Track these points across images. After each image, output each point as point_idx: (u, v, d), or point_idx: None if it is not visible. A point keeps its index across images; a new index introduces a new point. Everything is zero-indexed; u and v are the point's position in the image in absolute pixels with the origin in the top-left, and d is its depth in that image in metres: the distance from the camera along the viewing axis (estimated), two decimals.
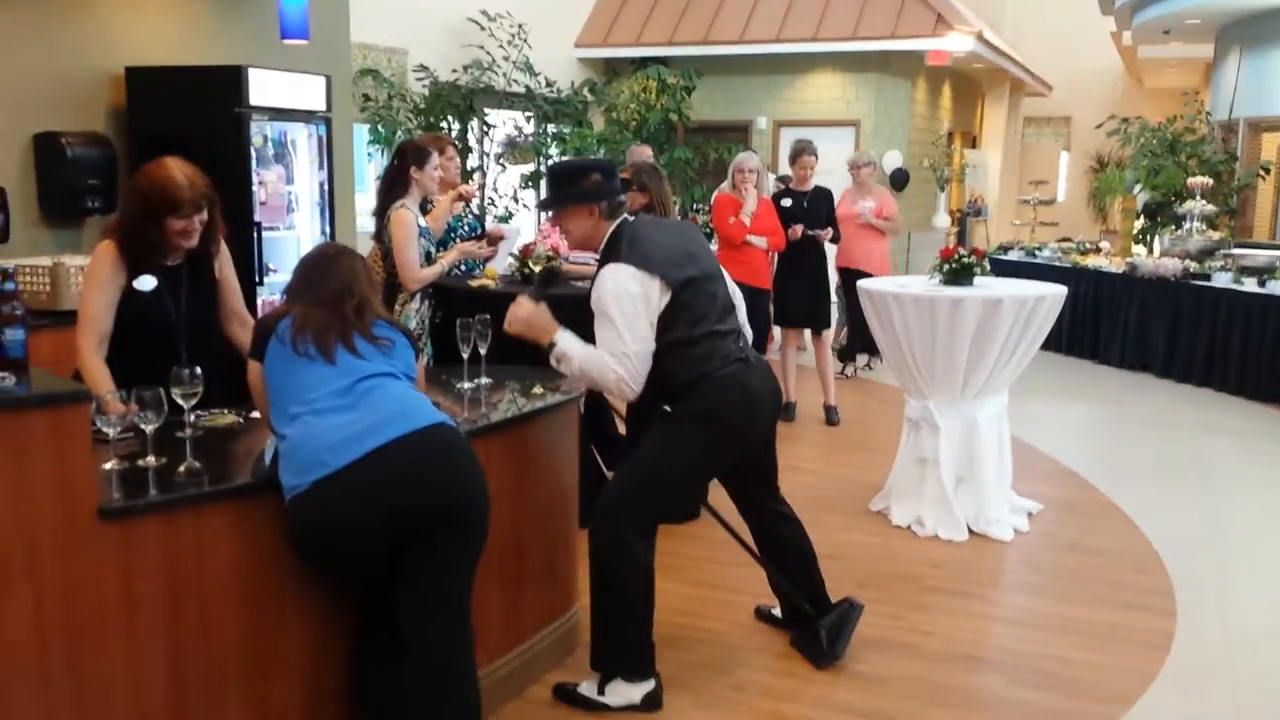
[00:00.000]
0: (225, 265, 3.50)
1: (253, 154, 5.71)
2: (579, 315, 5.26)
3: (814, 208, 7.32)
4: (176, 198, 3.19)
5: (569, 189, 3.47)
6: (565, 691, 3.52)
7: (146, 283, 3.28)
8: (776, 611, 4.09)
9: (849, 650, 3.82)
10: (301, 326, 2.74)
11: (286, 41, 6.35)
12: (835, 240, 7.48)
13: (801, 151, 7.43)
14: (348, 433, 2.62)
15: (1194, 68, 16.80)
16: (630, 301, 3.27)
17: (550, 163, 3.77)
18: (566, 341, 3.38)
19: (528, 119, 11.34)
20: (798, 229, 7.10)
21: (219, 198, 3.34)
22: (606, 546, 3.40)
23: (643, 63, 12.77)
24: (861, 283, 5.58)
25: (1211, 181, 11.25)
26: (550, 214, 3.64)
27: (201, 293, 3.40)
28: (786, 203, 7.28)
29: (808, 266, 7.32)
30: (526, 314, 3.42)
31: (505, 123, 11.22)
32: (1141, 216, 13.45)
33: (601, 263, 3.40)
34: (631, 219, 3.51)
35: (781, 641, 3.97)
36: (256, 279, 5.62)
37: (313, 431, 2.63)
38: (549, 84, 11.27)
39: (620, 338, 3.28)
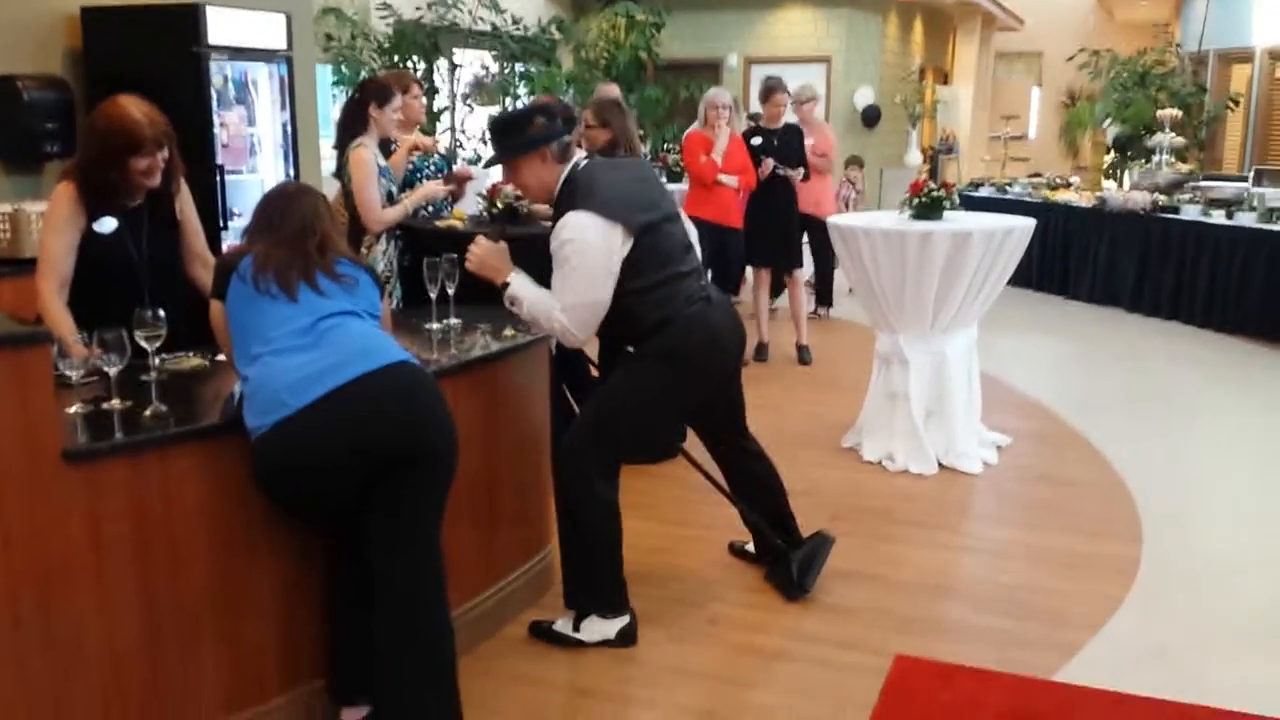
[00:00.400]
0: (186, 205, 3.45)
1: (213, 95, 5.60)
2: (543, 255, 5.25)
3: (784, 145, 7.27)
4: (138, 136, 3.13)
5: (516, 139, 3.35)
6: (541, 629, 3.55)
7: (107, 224, 3.23)
8: (749, 547, 4.12)
9: (820, 582, 3.86)
10: (263, 264, 2.70)
11: None
12: (806, 178, 7.44)
13: (774, 89, 7.35)
14: (308, 372, 2.60)
15: (1164, 0, 16.73)
16: (590, 251, 3.23)
17: (488, 118, 3.71)
18: (518, 284, 3.35)
19: (494, 58, 11.19)
20: (768, 163, 7.05)
21: (176, 135, 3.29)
22: (571, 485, 3.41)
23: None
24: (831, 218, 5.58)
25: (1181, 114, 11.26)
26: (502, 169, 3.57)
27: (163, 233, 3.36)
28: (756, 141, 7.22)
29: (778, 205, 7.28)
30: (483, 252, 3.39)
31: (472, 63, 11.07)
32: (1111, 150, 13.47)
33: (559, 209, 3.33)
34: (585, 161, 3.43)
35: (753, 576, 4.01)
36: (220, 223, 5.54)
37: (273, 372, 2.61)
38: (515, 21, 11.10)
39: (571, 289, 3.25)
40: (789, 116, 7.52)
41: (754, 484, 3.89)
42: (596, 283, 3.25)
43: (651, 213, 3.37)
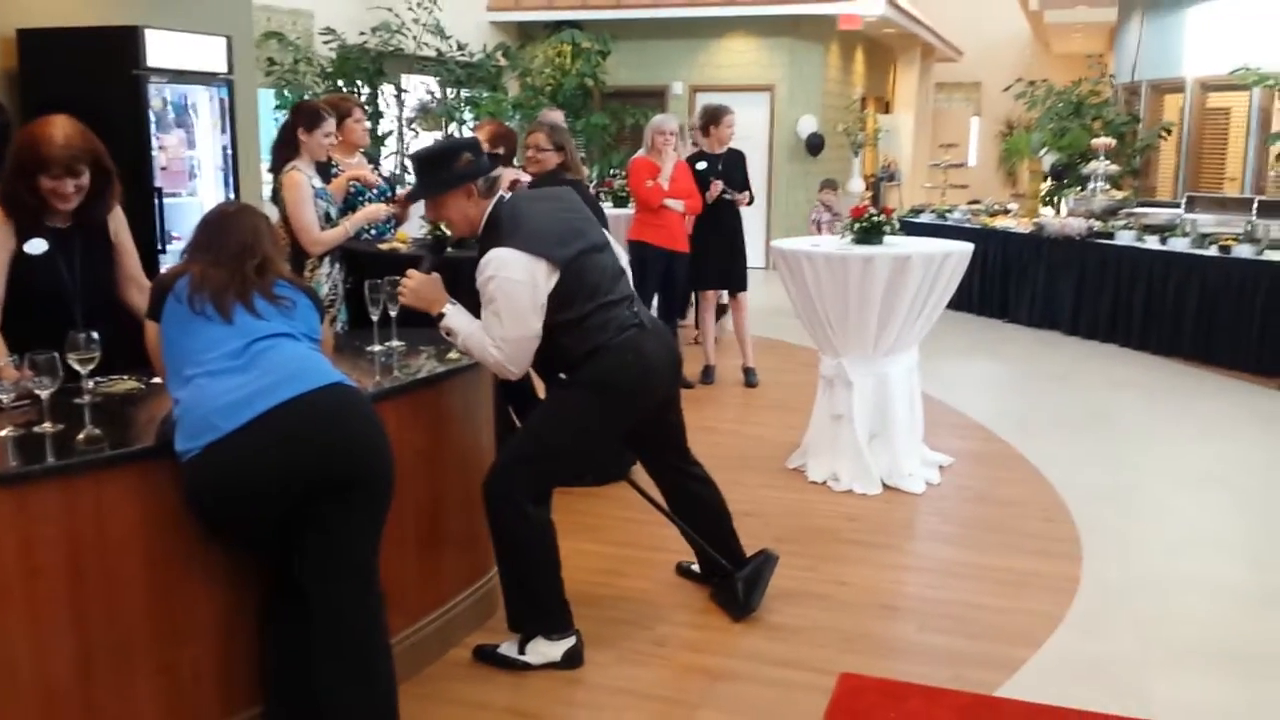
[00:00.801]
0: (121, 229, 3.39)
1: (152, 117, 5.54)
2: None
3: (729, 170, 7.31)
4: (45, 157, 3.07)
5: (442, 174, 3.31)
6: (486, 653, 3.51)
7: (36, 245, 3.17)
8: (696, 567, 4.12)
9: (767, 602, 3.87)
10: (200, 284, 2.67)
11: None
12: (751, 201, 7.48)
13: (723, 113, 7.36)
14: (239, 395, 2.55)
15: (1099, 32, 17.14)
16: (515, 287, 3.20)
17: (411, 152, 3.72)
18: (453, 316, 3.32)
19: (439, 83, 11.16)
20: (717, 185, 7.08)
21: (111, 161, 3.22)
22: (500, 511, 3.38)
23: (557, 26, 12.65)
24: (774, 242, 5.63)
25: (1115, 142, 11.51)
26: (426, 205, 3.56)
27: (96, 256, 3.29)
28: (701, 165, 7.26)
29: (724, 228, 7.31)
30: (416, 284, 3.36)
31: (417, 87, 11.05)
32: (1048, 178, 13.73)
33: (483, 245, 3.30)
34: (509, 195, 3.42)
35: (700, 596, 4.00)
36: (159, 246, 5.47)
37: (205, 394, 2.57)
38: (460, 47, 11.10)
39: (501, 324, 3.23)
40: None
41: (697, 507, 3.88)
42: (523, 318, 3.23)
43: (577, 243, 3.35)
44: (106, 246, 3.34)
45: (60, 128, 3.12)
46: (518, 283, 3.21)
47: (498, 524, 3.40)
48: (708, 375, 7.45)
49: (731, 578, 3.85)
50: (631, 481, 4.09)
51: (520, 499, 3.36)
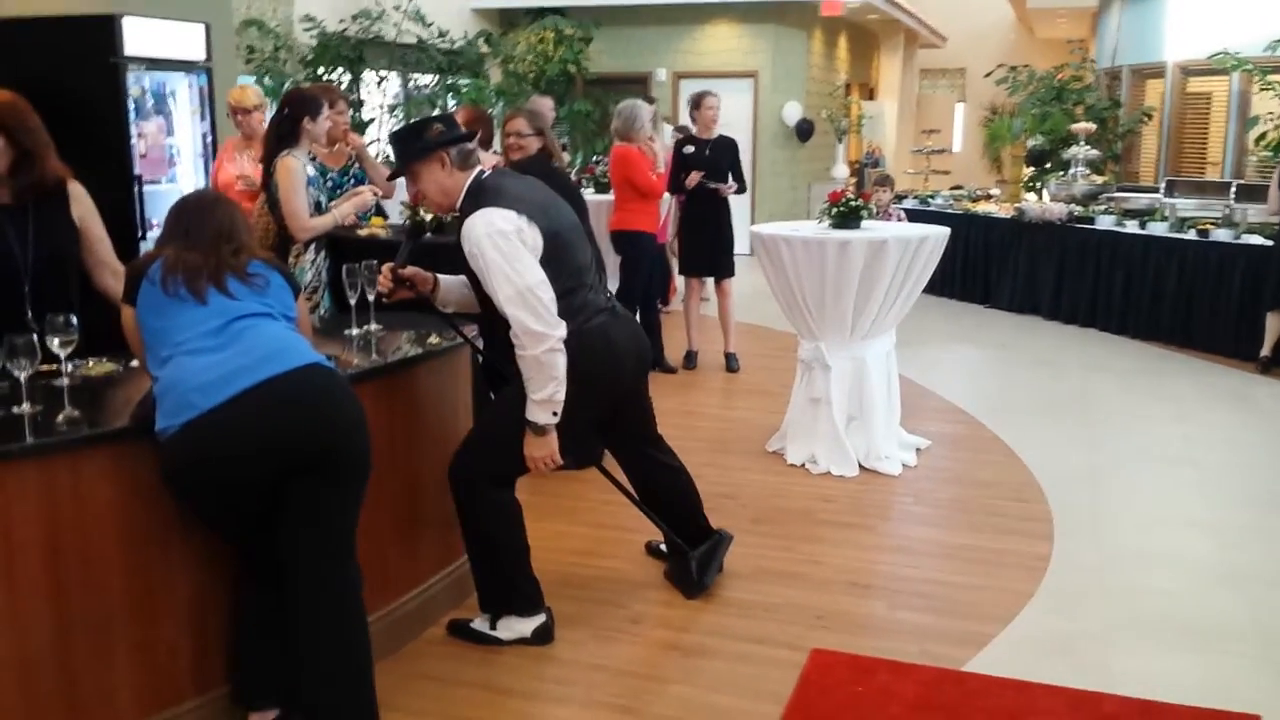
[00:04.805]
0: (87, 214, 3.37)
1: (131, 105, 5.55)
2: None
3: (716, 157, 7.32)
4: None
5: (414, 144, 3.28)
6: (459, 627, 3.57)
7: None
8: (664, 547, 4.17)
9: (740, 580, 3.93)
10: (173, 267, 2.69)
11: None
12: (740, 192, 7.49)
13: (704, 95, 7.38)
14: (217, 374, 2.59)
15: (1082, 17, 17.17)
16: (503, 238, 3.12)
17: (390, 131, 3.73)
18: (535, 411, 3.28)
19: (408, 75, 11.13)
20: (695, 176, 7.12)
21: (34, 136, 3.22)
22: (463, 494, 3.42)
23: (539, 13, 12.65)
24: (753, 227, 5.68)
25: (1096, 127, 11.57)
26: (406, 180, 3.51)
27: (52, 234, 3.26)
28: (689, 150, 7.29)
29: (710, 215, 7.34)
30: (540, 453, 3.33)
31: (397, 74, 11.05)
32: (1028, 164, 13.79)
33: (464, 214, 3.24)
34: (487, 172, 3.36)
35: None
36: (139, 234, 5.49)
37: (183, 373, 2.60)
38: (442, 34, 11.10)
39: (504, 280, 3.12)
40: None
41: (664, 492, 3.90)
42: (525, 263, 3.13)
43: (559, 219, 3.34)
44: (64, 225, 3.30)
45: None
46: (505, 232, 3.11)
47: (462, 506, 3.44)
48: (690, 360, 7.49)
49: (686, 556, 3.87)
50: (601, 468, 4.06)
51: (481, 482, 3.39)
